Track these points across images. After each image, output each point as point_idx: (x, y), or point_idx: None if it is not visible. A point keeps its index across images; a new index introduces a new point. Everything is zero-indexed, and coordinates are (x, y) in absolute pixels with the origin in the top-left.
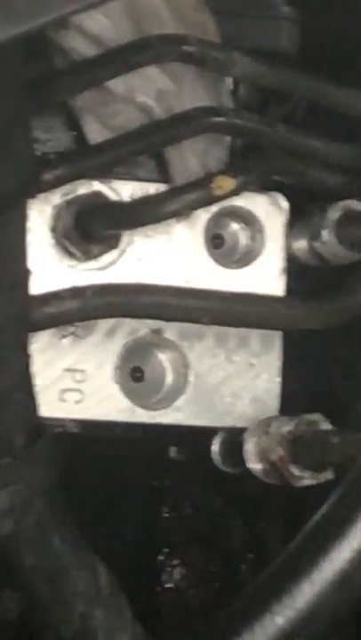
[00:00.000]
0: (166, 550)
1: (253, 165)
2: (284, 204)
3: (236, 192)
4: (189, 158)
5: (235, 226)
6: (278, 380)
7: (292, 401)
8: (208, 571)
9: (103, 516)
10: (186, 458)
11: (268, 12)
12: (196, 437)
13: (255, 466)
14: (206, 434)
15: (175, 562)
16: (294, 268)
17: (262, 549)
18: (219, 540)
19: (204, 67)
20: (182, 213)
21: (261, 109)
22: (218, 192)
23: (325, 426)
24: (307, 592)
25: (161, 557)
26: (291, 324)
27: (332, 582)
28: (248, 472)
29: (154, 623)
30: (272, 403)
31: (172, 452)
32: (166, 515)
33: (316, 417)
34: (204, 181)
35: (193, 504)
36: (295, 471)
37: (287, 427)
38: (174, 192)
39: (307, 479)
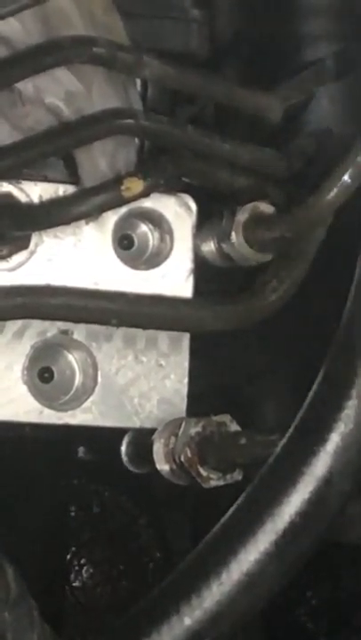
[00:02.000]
0: (74, 549)
1: (162, 167)
2: (193, 205)
3: (144, 194)
4: (99, 160)
5: (144, 227)
6: (186, 380)
7: (198, 401)
8: (116, 569)
9: (10, 515)
10: (94, 458)
11: (178, 14)
12: (104, 437)
13: (164, 467)
14: (115, 434)
15: (83, 561)
16: (202, 270)
17: (170, 548)
18: (126, 539)
19: (113, 68)
20: (91, 215)
21: (171, 111)
22: (127, 194)
23: (234, 427)
24: (215, 593)
25: (68, 556)
26: (198, 327)
27: (240, 583)
28: (156, 472)
29: (61, 622)
30: (180, 404)
31: (81, 451)
32: (73, 514)
33: (224, 418)
34: (114, 183)
35: (101, 503)
36: (203, 472)
37: (196, 428)
38: (83, 194)
39: (215, 480)
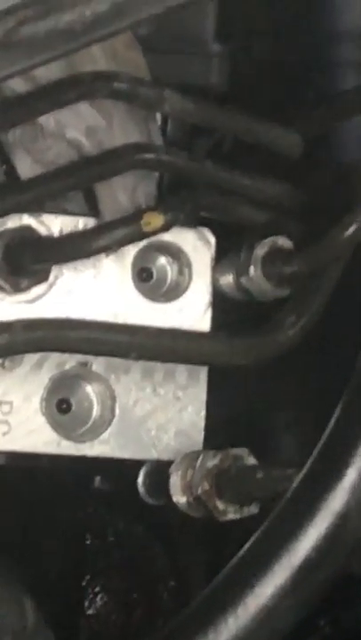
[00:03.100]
0: (88, 577)
1: (181, 202)
2: (212, 239)
3: (164, 228)
4: (119, 193)
5: (163, 260)
6: (203, 413)
7: (215, 433)
8: (130, 598)
9: (27, 544)
10: (110, 487)
11: (199, 49)
12: (121, 467)
13: (180, 499)
14: (132, 465)
15: (97, 589)
16: (221, 303)
17: (184, 577)
18: (141, 567)
19: (134, 103)
20: (111, 249)
21: (188, 143)
22: (147, 228)
23: (251, 460)
24: (231, 627)
25: (83, 584)
26: (217, 361)
27: (256, 617)
28: (172, 504)
29: None
30: (197, 436)
31: (97, 481)
32: (88, 542)
33: (241, 451)
34: (134, 217)
35: (115, 532)
36: (220, 505)
37: (213, 461)
38: (104, 228)
39: (231, 513)
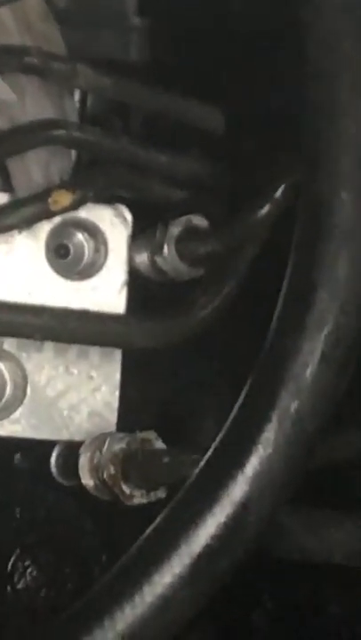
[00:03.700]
0: (18, 551)
1: (94, 179)
2: (128, 216)
3: (72, 207)
4: (32, 169)
5: (80, 236)
6: (117, 393)
7: (130, 414)
8: (60, 572)
9: None
10: (30, 465)
11: (119, 22)
12: (39, 446)
13: (88, 482)
14: (47, 443)
15: (27, 562)
16: (137, 282)
17: (116, 551)
18: (72, 541)
19: (46, 78)
20: (19, 227)
21: (109, 120)
22: (54, 207)
23: (159, 444)
24: (128, 616)
25: (13, 558)
26: (125, 343)
27: (153, 607)
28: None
29: (4, 624)
30: (110, 417)
31: (16, 459)
32: (18, 516)
33: (149, 435)
34: (42, 196)
35: (46, 506)
36: (126, 490)
37: (120, 444)
38: (10, 206)
39: (138, 498)
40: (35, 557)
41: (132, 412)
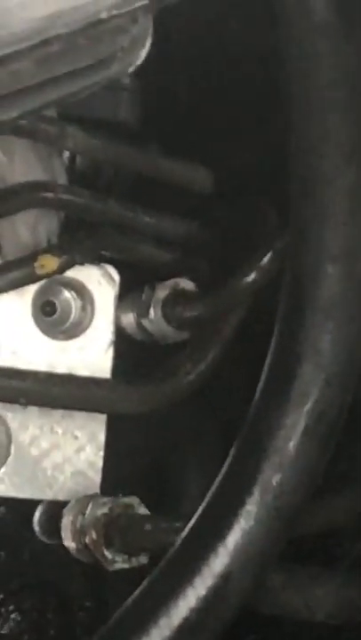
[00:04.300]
0: (2, 596)
1: (81, 241)
2: (116, 276)
3: (59, 271)
4: (20, 230)
5: (67, 294)
6: (101, 453)
7: (114, 475)
8: (44, 618)
9: None
10: (14, 513)
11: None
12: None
13: (70, 544)
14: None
15: (11, 607)
16: (124, 342)
17: (102, 597)
18: (57, 587)
19: (35, 139)
20: (4, 290)
21: (96, 181)
22: (41, 271)
23: (141, 510)
24: None
25: None
26: (110, 409)
27: None
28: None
29: None
30: (94, 476)
31: (1, 511)
32: (3, 560)
33: (132, 500)
34: (28, 260)
35: (31, 550)
36: (108, 555)
37: (102, 509)
38: None
39: (119, 563)
40: (19, 603)
41: (115, 473)
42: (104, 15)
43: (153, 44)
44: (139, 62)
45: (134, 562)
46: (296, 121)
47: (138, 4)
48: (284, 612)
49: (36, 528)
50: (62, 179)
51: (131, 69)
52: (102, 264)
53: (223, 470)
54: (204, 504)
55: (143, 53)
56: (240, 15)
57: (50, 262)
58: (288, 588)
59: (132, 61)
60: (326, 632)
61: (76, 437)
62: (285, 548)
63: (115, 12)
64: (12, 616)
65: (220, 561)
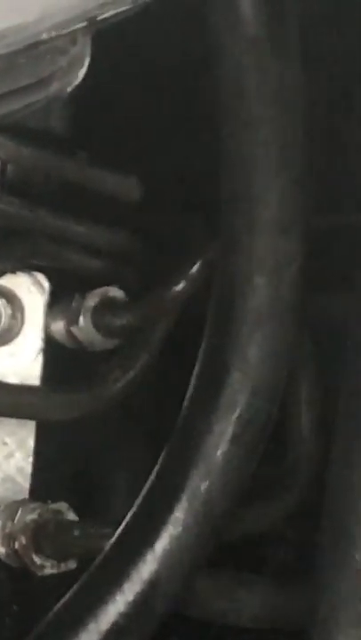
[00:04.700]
0: None
1: (12, 250)
2: (45, 284)
3: None
4: None
5: None
6: (31, 459)
7: (43, 481)
8: None
9: None
10: None
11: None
12: None
13: (0, 550)
14: None
15: None
16: (54, 350)
17: (29, 603)
18: None
19: None
20: None
21: (26, 189)
22: None
23: (70, 515)
24: None
25: None
26: (40, 416)
27: None
28: None
29: None
30: (23, 482)
31: None
32: None
33: (60, 506)
34: None
35: None
36: (37, 560)
37: (32, 515)
38: None
39: (49, 568)
40: None
41: (45, 479)
42: (45, 36)
43: None
44: (77, 82)
45: (63, 567)
46: (226, 134)
47: (78, 26)
48: (211, 616)
49: None
50: None
51: (70, 88)
52: (32, 272)
53: (152, 477)
54: (133, 510)
55: (82, 73)
56: (173, 28)
57: None
58: (214, 593)
59: (71, 81)
60: (252, 636)
61: (5, 444)
62: (212, 553)
63: (55, 34)
64: None
65: (148, 567)
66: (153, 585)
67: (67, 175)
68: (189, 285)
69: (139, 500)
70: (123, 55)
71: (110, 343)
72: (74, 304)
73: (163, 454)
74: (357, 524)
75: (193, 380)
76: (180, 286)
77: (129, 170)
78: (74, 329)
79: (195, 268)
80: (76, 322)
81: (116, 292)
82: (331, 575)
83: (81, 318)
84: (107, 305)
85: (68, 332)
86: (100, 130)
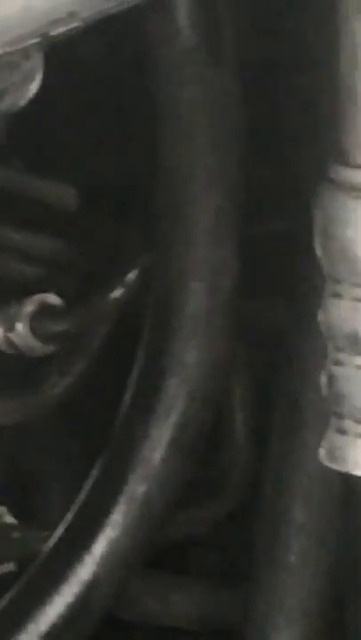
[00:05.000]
0: None
1: None
2: None
3: None
4: None
5: None
6: None
7: None
8: None
9: None
10: None
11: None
12: None
13: None
14: None
15: None
16: None
17: None
18: None
19: None
20: None
21: None
22: None
23: (8, 519)
24: None
25: None
26: None
27: None
28: None
29: None
30: None
31: None
32: None
33: None
34: None
35: None
36: None
37: None
38: None
39: None
40: None
41: None
42: None
43: None
44: (30, 96)
45: (1, 570)
46: (163, 143)
47: (31, 42)
48: (145, 619)
49: None
50: None
51: (22, 103)
52: None
53: (90, 480)
54: (71, 513)
55: (34, 87)
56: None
57: None
58: (147, 595)
59: (24, 95)
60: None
61: None
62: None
63: (8, 49)
64: None
65: (86, 569)
66: (91, 587)
67: (1, 183)
68: (127, 292)
69: (77, 503)
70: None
71: (48, 349)
72: (11, 311)
73: (101, 458)
74: (291, 526)
75: (130, 384)
76: (118, 293)
77: (65, 178)
78: (11, 335)
79: (132, 275)
80: (14, 328)
81: (53, 299)
82: (265, 577)
83: (18, 324)
84: (44, 311)
85: (6, 339)
86: (35, 138)
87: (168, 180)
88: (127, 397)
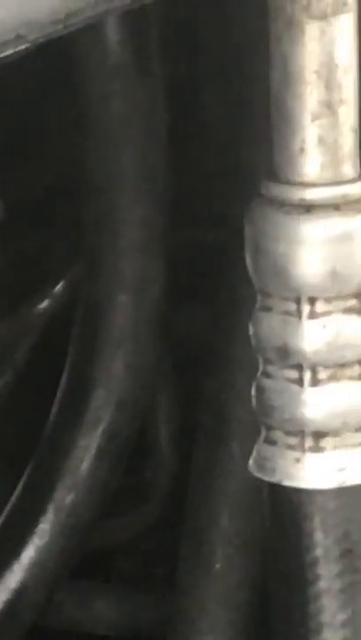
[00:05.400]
0: None
1: None
2: None
3: None
4: None
5: None
6: None
7: None
8: None
9: None
10: None
11: None
12: None
13: None
14: None
15: None
16: None
17: None
18: None
19: None
20: None
21: None
22: None
23: None
24: None
25: None
26: None
27: None
28: None
29: None
30: None
31: None
32: None
33: None
34: None
35: None
36: None
37: None
38: None
39: None
40: None
41: None
42: None
43: None
44: None
45: None
46: (90, 156)
47: None
48: (69, 626)
49: None
50: None
51: None
52: None
53: (18, 488)
54: None
55: None
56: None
57: None
58: (70, 602)
59: None
60: None
61: None
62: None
63: None
64: None
65: (15, 576)
66: (19, 594)
67: None
68: (53, 304)
69: (6, 512)
70: None
71: None
72: None
73: (29, 467)
74: (217, 533)
75: (59, 395)
76: (44, 305)
77: None
78: None
79: (58, 287)
80: None
81: None
82: (190, 583)
83: None
84: None
85: None
86: None
87: (95, 191)
88: (56, 407)
